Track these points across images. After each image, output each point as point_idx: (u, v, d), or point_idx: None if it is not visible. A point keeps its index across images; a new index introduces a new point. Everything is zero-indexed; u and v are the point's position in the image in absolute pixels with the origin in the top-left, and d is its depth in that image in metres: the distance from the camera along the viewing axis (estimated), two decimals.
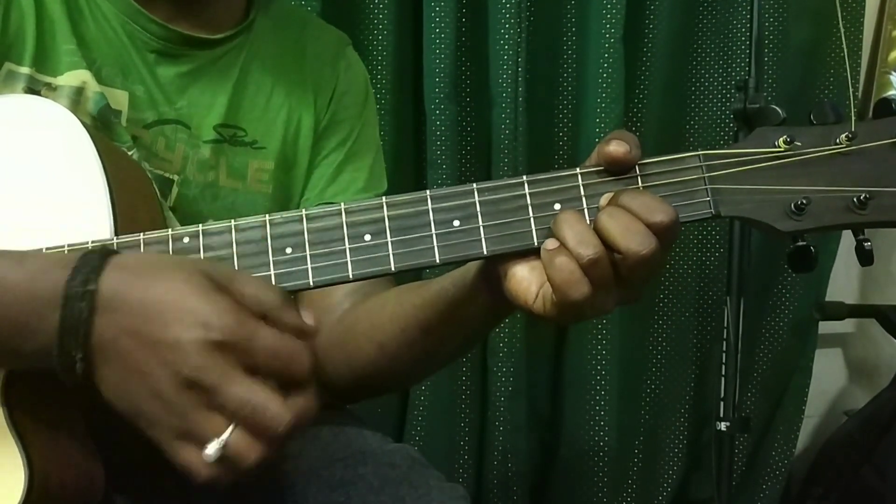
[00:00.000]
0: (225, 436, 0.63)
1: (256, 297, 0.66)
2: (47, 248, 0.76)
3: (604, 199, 0.73)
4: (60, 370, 0.66)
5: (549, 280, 0.72)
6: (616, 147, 0.73)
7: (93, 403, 0.68)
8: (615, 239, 0.69)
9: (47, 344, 0.65)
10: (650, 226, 0.69)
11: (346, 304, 1.01)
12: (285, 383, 0.65)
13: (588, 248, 0.69)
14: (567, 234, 0.70)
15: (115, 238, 0.77)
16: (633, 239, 0.69)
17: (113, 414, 0.67)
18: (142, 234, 0.76)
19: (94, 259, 0.66)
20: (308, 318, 0.68)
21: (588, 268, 0.70)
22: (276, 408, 0.63)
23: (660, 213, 0.70)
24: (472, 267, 0.82)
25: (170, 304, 0.64)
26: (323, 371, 1.02)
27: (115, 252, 0.69)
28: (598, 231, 0.70)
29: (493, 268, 0.77)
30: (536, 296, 0.73)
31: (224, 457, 0.63)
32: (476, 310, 0.84)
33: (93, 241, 0.75)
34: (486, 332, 0.97)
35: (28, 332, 0.66)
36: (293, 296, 0.75)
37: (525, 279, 0.74)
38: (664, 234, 0.70)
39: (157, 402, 0.64)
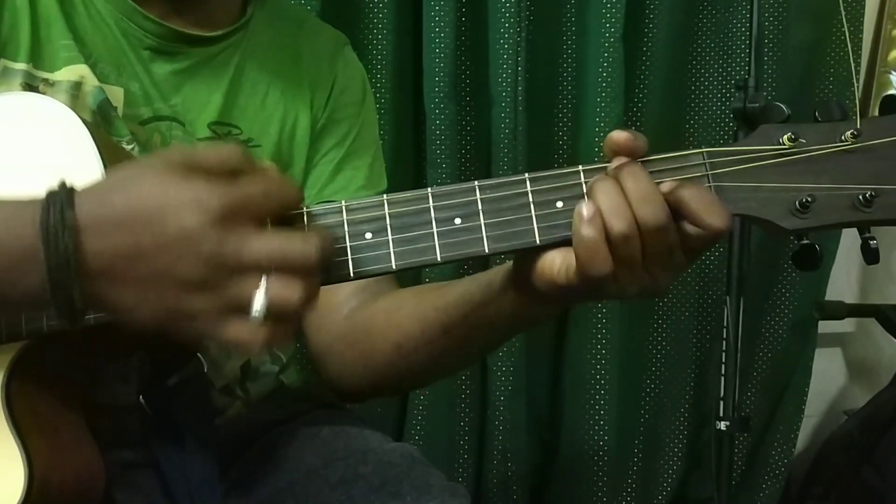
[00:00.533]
0: (262, 288, 0.63)
1: (221, 159, 0.67)
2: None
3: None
4: (58, 308, 0.65)
5: (574, 249, 0.71)
6: (619, 133, 0.73)
7: (93, 349, 0.68)
8: (634, 201, 0.69)
9: (39, 286, 0.64)
10: (704, 227, 0.70)
11: (353, 302, 1.01)
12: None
13: (621, 220, 0.69)
14: (602, 199, 0.70)
15: None
16: (648, 207, 0.69)
17: (136, 339, 0.68)
18: None
19: (62, 191, 0.65)
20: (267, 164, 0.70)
21: (617, 242, 0.69)
22: (298, 242, 0.65)
23: (715, 217, 0.70)
24: (500, 270, 0.83)
25: (156, 203, 0.64)
26: (333, 369, 1.02)
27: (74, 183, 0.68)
28: (669, 198, 0.70)
29: (522, 265, 0.77)
30: (560, 268, 0.73)
31: (271, 309, 0.64)
32: (499, 314, 0.84)
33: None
34: (508, 337, 0.97)
35: (14, 277, 0.65)
36: None
37: (551, 254, 0.74)
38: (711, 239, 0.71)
39: (187, 295, 0.64)
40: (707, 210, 0.70)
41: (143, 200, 0.64)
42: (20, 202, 0.67)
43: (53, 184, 0.67)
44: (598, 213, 0.70)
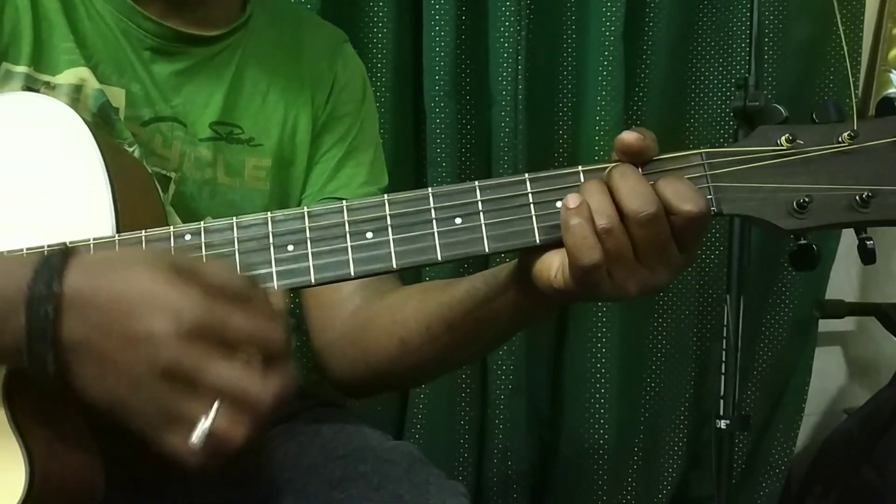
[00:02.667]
0: (209, 420, 0.63)
1: (223, 281, 0.66)
2: (28, 249, 0.75)
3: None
4: (32, 370, 0.65)
5: (564, 242, 0.72)
6: (629, 133, 0.73)
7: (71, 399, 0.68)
8: (621, 199, 0.71)
9: (17, 345, 0.65)
10: (676, 212, 0.70)
11: (357, 299, 1.01)
12: (263, 360, 0.65)
13: (602, 217, 0.70)
14: (590, 198, 0.71)
15: (116, 235, 0.77)
16: (635, 200, 0.70)
17: (93, 410, 0.67)
18: (143, 231, 0.76)
19: (55, 259, 0.66)
20: (275, 298, 0.68)
21: (602, 236, 0.70)
22: (256, 386, 0.63)
23: (689, 202, 0.70)
24: (505, 267, 0.83)
25: (138, 297, 0.64)
26: (336, 366, 1.03)
27: (76, 251, 0.68)
28: (615, 196, 0.71)
29: (526, 262, 0.77)
30: (557, 270, 0.74)
31: (211, 440, 0.63)
32: (503, 310, 0.85)
33: (70, 242, 0.75)
34: (511, 334, 0.97)
35: None
36: (295, 291, 0.75)
37: (549, 257, 0.75)
38: (691, 222, 0.71)
39: (138, 394, 0.64)
40: (679, 196, 0.71)
41: (126, 292, 0.64)
42: (15, 260, 0.68)
43: (53, 246, 0.68)
44: (585, 203, 0.71)
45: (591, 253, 0.71)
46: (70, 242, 0.76)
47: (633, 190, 0.70)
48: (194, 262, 0.68)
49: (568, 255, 0.72)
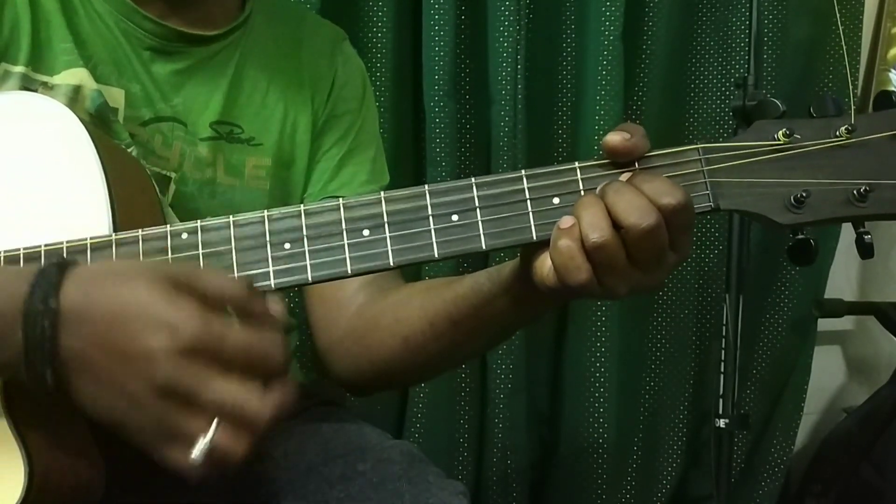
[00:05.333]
0: (209, 437, 0.63)
1: (220, 291, 0.65)
2: (26, 249, 0.75)
3: (622, 178, 0.73)
4: (31, 384, 0.65)
5: (551, 260, 0.72)
6: (612, 136, 0.74)
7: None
8: (618, 214, 0.70)
9: (15, 360, 0.65)
10: (659, 208, 0.70)
11: (361, 297, 1.01)
12: (261, 374, 0.65)
13: (595, 231, 0.70)
14: (582, 214, 0.71)
15: (113, 234, 0.77)
16: (633, 213, 0.70)
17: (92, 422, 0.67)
18: (140, 230, 0.76)
19: (51, 273, 0.65)
20: (274, 304, 0.67)
21: (593, 251, 0.70)
22: (255, 402, 0.63)
23: (667, 196, 0.70)
24: (508, 264, 0.83)
25: (134, 313, 0.63)
26: (340, 364, 1.03)
27: (73, 263, 0.67)
28: (611, 212, 0.71)
29: (527, 258, 0.77)
30: (550, 269, 0.74)
31: (211, 455, 0.63)
32: (507, 305, 0.85)
33: (68, 242, 0.75)
34: (514, 330, 0.98)
35: None
36: (296, 289, 0.75)
37: (544, 255, 0.74)
38: (673, 216, 0.71)
39: (136, 410, 0.64)
40: (658, 192, 0.70)
41: (124, 305, 0.64)
42: (11, 273, 0.68)
43: (50, 247, 0.68)
44: (576, 225, 0.71)
45: (578, 274, 0.71)
46: (67, 242, 0.75)
47: (630, 203, 0.70)
48: (192, 273, 0.67)
49: (555, 270, 0.72)
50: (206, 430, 0.63)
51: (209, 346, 0.63)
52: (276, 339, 0.66)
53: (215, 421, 0.63)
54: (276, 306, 0.67)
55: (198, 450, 0.63)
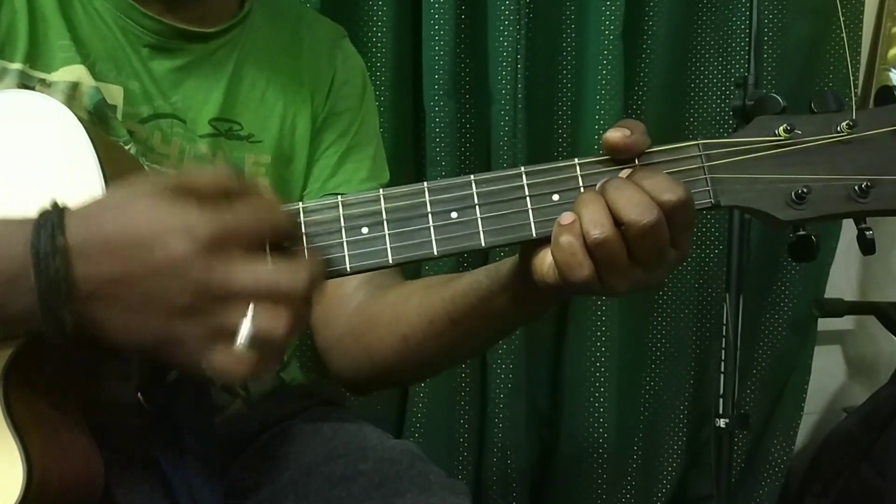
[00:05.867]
0: (249, 317, 0.63)
1: (213, 181, 0.66)
2: None
3: (622, 174, 0.73)
4: (48, 330, 0.65)
5: (552, 257, 0.72)
6: (613, 133, 0.73)
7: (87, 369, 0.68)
8: (619, 210, 0.70)
9: (29, 307, 0.64)
10: (659, 204, 0.70)
11: (360, 296, 1.01)
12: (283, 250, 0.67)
13: (597, 227, 0.70)
14: (583, 211, 0.71)
15: None
16: (634, 209, 0.69)
17: (124, 357, 0.68)
18: None
19: (52, 214, 0.65)
20: (263, 185, 0.70)
21: (594, 247, 0.70)
22: (287, 272, 0.64)
23: (668, 192, 0.70)
24: (507, 261, 0.83)
25: (144, 229, 0.64)
26: (340, 362, 1.03)
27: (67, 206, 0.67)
28: (612, 209, 0.71)
29: (527, 255, 0.77)
30: (550, 266, 0.74)
31: (256, 338, 0.63)
32: (507, 303, 0.84)
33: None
34: (514, 328, 0.98)
35: (5, 300, 0.65)
36: None
37: (543, 252, 0.74)
38: (674, 212, 0.70)
39: (174, 321, 0.64)
40: (659, 189, 0.70)
41: (133, 225, 0.64)
42: (11, 222, 0.67)
43: (45, 204, 0.66)
44: (577, 221, 0.71)
45: (579, 270, 0.71)
46: None
47: (631, 200, 0.70)
48: (183, 176, 0.67)
49: (556, 267, 0.72)
50: (244, 318, 0.63)
51: (227, 235, 0.64)
52: (275, 202, 0.68)
53: (251, 306, 0.63)
54: (263, 185, 0.71)
55: (242, 333, 0.63)
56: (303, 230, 0.73)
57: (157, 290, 0.63)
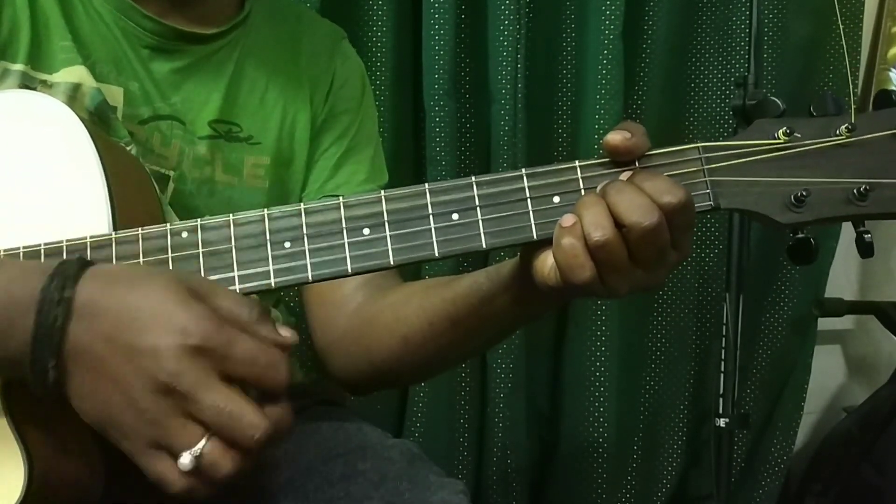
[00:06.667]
0: (200, 445, 0.62)
1: (233, 308, 0.66)
2: (25, 247, 0.75)
3: (623, 177, 0.73)
4: (32, 378, 0.65)
5: (554, 259, 0.72)
6: (613, 136, 0.73)
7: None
8: (620, 213, 0.70)
9: (20, 351, 0.64)
10: (660, 206, 0.70)
11: (360, 297, 1.01)
12: (262, 394, 0.65)
13: (598, 229, 0.70)
14: (584, 213, 0.71)
15: (113, 233, 0.76)
16: (635, 212, 0.69)
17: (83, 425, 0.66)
18: (140, 229, 0.76)
19: (71, 266, 0.66)
20: (285, 332, 0.67)
21: (595, 249, 0.70)
22: (252, 416, 0.62)
23: (668, 195, 0.70)
24: (508, 263, 0.83)
25: (147, 310, 0.64)
26: (339, 363, 1.03)
27: (94, 262, 0.68)
28: (613, 211, 0.71)
29: (527, 257, 0.77)
30: (551, 268, 0.74)
31: (199, 467, 0.62)
32: (507, 304, 0.85)
33: (68, 240, 0.75)
34: (513, 329, 0.98)
35: (0, 339, 0.65)
36: (296, 288, 0.74)
37: (544, 254, 0.75)
38: (674, 215, 0.70)
39: (131, 410, 0.63)
40: (660, 191, 0.70)
41: (138, 304, 0.64)
42: (31, 265, 0.68)
43: (71, 255, 0.68)
44: (578, 224, 0.71)
45: (581, 272, 0.71)
46: (67, 240, 0.75)
47: (632, 202, 0.70)
48: (210, 286, 0.67)
49: (558, 269, 0.72)
50: (197, 441, 0.62)
51: (216, 349, 0.63)
52: (282, 358, 0.66)
53: (206, 436, 0.62)
54: (285, 332, 0.67)
55: (187, 457, 0.62)
56: (304, 231, 0.73)
57: (127, 372, 0.63)
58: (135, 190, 0.87)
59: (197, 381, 0.62)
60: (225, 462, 0.62)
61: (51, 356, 0.64)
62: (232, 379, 0.63)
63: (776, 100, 0.72)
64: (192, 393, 0.62)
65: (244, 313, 0.66)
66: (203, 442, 0.62)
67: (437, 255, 0.73)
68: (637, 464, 1.89)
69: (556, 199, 0.74)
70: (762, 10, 1.60)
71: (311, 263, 0.74)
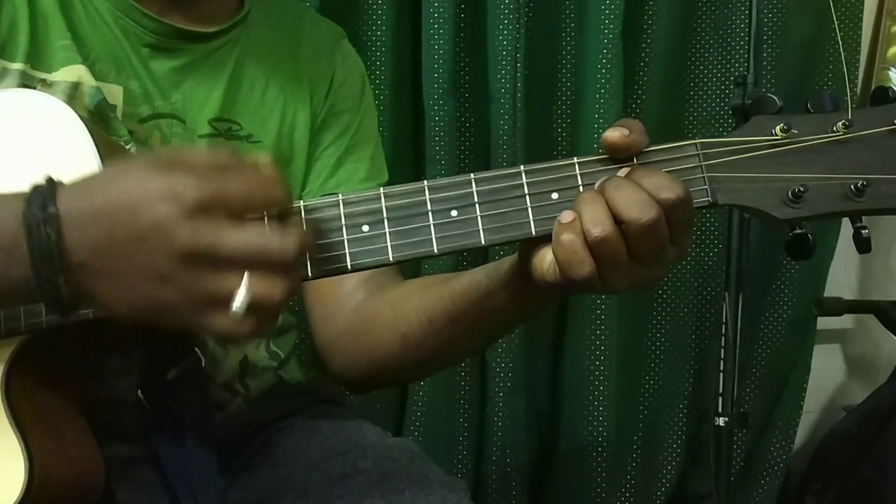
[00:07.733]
0: (244, 285, 0.63)
1: (205, 158, 0.66)
2: None
3: (621, 173, 0.73)
4: (45, 300, 0.65)
5: (553, 255, 0.72)
6: (611, 132, 0.74)
7: (86, 350, 0.68)
8: (618, 208, 0.70)
9: (25, 279, 0.65)
10: (659, 202, 0.70)
11: (359, 295, 1.01)
12: (271, 218, 0.67)
13: (597, 225, 0.70)
14: (583, 210, 0.71)
15: None
16: (633, 208, 0.69)
17: (124, 330, 0.68)
18: None
19: (44, 186, 0.66)
20: (263, 160, 0.69)
21: (595, 245, 0.70)
22: (276, 238, 0.64)
23: (666, 191, 0.70)
24: (507, 260, 0.83)
25: (132, 194, 0.64)
26: (338, 361, 1.03)
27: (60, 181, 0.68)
28: (612, 207, 0.71)
29: (526, 254, 0.77)
30: (550, 265, 0.74)
31: (252, 304, 0.63)
32: (506, 301, 0.85)
33: None
34: (513, 326, 0.98)
35: (1, 271, 0.66)
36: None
37: (543, 251, 0.75)
38: (673, 210, 0.70)
39: (165, 287, 0.64)
40: (658, 187, 0.70)
41: (122, 194, 0.64)
42: (4, 196, 0.67)
43: (39, 179, 0.67)
44: (577, 220, 0.71)
45: (581, 268, 0.71)
46: None
47: (630, 198, 0.70)
48: (174, 150, 0.69)
49: (558, 265, 0.72)
50: (238, 285, 0.63)
51: (214, 200, 0.63)
52: (272, 176, 0.67)
53: (246, 273, 0.63)
54: (264, 161, 0.69)
55: (237, 301, 0.63)
56: (303, 227, 0.73)
57: (144, 256, 0.63)
58: None
59: (212, 234, 0.63)
60: (273, 288, 0.64)
61: (57, 273, 0.64)
62: (239, 216, 0.64)
63: (773, 96, 0.73)
64: (212, 247, 0.63)
65: (217, 157, 0.67)
66: (245, 281, 0.63)
67: (436, 251, 0.73)
68: (636, 462, 1.89)
69: (555, 196, 0.74)
70: (762, 9, 1.61)
71: (310, 260, 0.74)
